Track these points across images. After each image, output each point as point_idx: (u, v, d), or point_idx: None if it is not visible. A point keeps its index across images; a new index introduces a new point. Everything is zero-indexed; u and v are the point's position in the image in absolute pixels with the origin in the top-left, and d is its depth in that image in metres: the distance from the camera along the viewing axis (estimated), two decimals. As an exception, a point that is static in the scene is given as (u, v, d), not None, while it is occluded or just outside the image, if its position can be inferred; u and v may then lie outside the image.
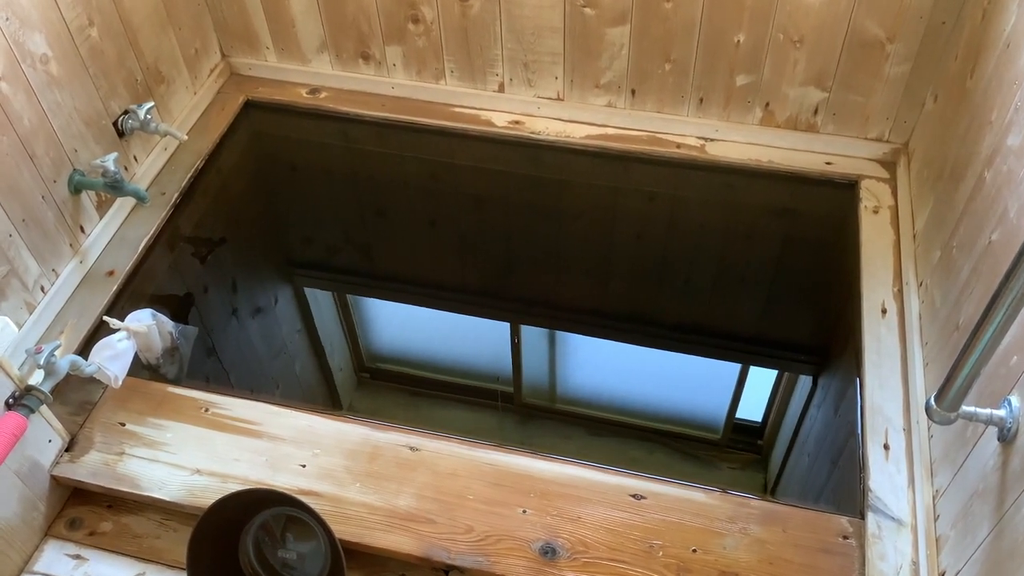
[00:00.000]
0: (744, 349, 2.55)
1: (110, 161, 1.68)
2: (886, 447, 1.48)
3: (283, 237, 2.55)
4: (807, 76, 1.85)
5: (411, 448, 1.52)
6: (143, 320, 1.60)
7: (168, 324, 1.68)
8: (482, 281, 2.51)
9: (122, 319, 1.63)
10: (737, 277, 2.26)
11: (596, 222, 2.19)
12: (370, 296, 2.77)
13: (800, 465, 2.53)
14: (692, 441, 3.21)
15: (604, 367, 3.03)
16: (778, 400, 2.92)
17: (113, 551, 1.49)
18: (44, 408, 1.44)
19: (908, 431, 1.49)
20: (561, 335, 2.97)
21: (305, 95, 2.17)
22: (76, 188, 1.72)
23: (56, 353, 1.43)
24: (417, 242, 2.43)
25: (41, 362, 1.40)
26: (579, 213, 2.19)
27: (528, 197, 2.18)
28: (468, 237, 2.37)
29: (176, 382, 1.73)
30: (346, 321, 3.16)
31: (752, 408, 3.07)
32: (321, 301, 2.93)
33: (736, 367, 2.78)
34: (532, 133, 2.05)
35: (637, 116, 2.02)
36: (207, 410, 1.59)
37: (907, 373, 1.55)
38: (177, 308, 1.99)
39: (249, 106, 2.17)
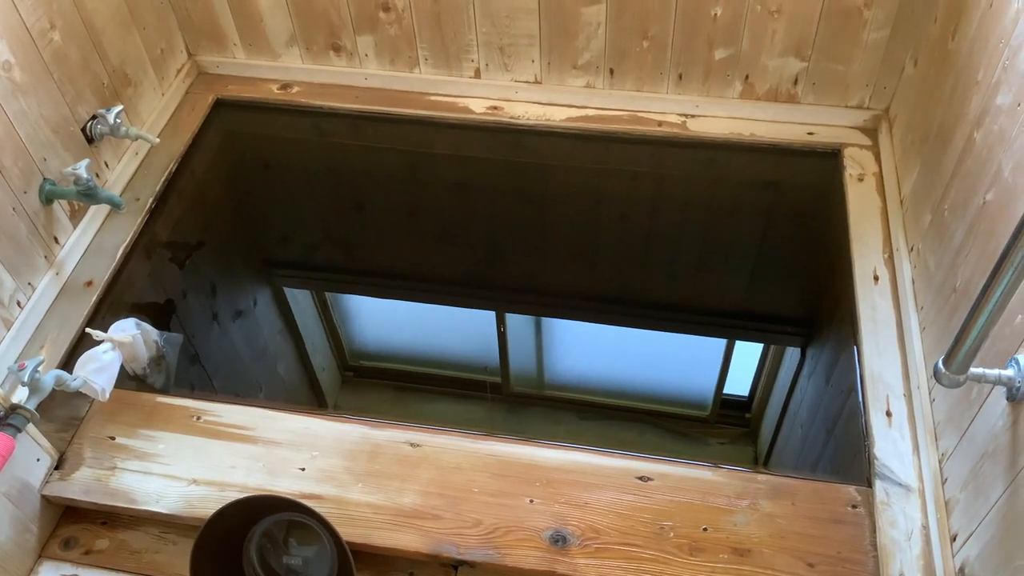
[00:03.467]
0: (731, 324, 2.55)
1: (82, 168, 1.63)
2: (888, 414, 1.47)
3: (261, 237, 2.50)
4: (786, 46, 1.83)
5: (412, 444, 1.49)
6: (127, 330, 1.56)
7: (153, 333, 1.64)
8: (465, 271, 2.48)
9: (105, 330, 1.58)
10: (723, 253, 2.25)
11: (580, 205, 2.17)
12: (351, 292, 2.73)
13: (793, 437, 2.54)
14: (681, 420, 3.21)
15: (591, 351, 3.02)
16: (765, 373, 2.92)
17: (112, 569, 1.45)
18: (30, 427, 1.40)
19: (908, 396, 1.49)
20: (547, 322, 2.96)
21: (276, 91, 2.12)
22: (48, 198, 1.67)
23: (40, 369, 1.39)
24: (398, 235, 2.40)
25: (25, 379, 1.35)
26: (562, 197, 2.16)
27: (510, 183, 2.16)
28: (450, 227, 2.34)
29: (164, 391, 1.69)
30: (327, 320, 3.12)
31: (738, 383, 3.08)
32: (301, 301, 2.89)
33: (722, 343, 2.78)
34: (511, 118, 2.02)
35: (617, 96, 1.99)
36: (199, 418, 1.55)
37: (903, 339, 1.55)
38: (159, 315, 1.94)
39: (220, 105, 2.12)
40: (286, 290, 2.75)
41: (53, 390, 1.44)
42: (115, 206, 1.70)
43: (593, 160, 2.06)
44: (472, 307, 2.66)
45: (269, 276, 2.66)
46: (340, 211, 2.38)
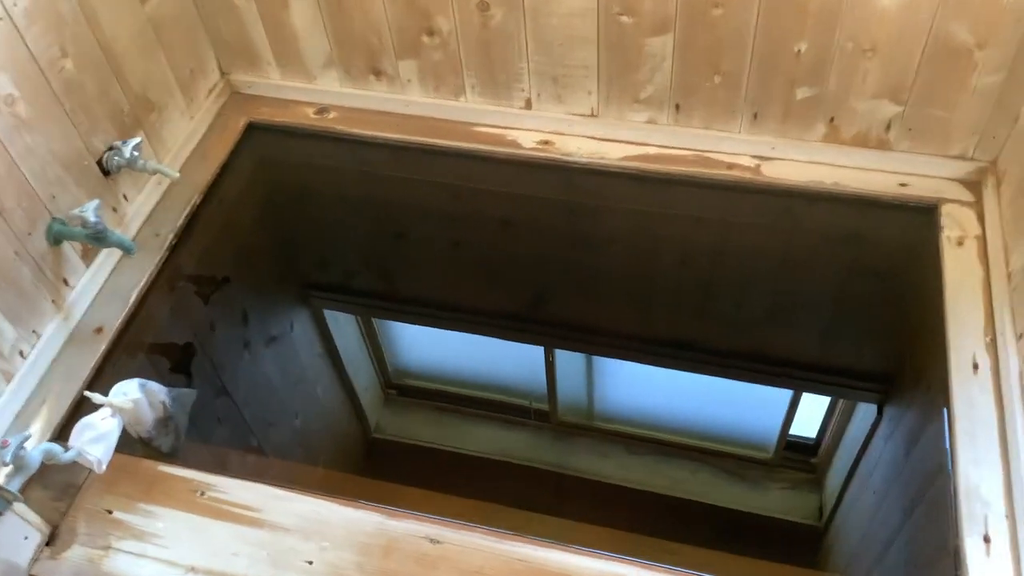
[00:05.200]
0: (799, 376, 2.33)
1: (90, 211, 1.50)
2: (986, 539, 1.25)
3: (294, 264, 2.37)
4: (879, 88, 1.60)
5: (431, 540, 1.33)
6: (129, 394, 1.42)
7: (160, 393, 1.50)
8: (513, 305, 2.31)
9: (107, 390, 1.45)
10: (794, 306, 2.03)
11: (635, 248, 1.98)
12: (393, 319, 2.59)
13: (865, 501, 2.31)
14: (739, 460, 3.00)
15: (645, 384, 2.83)
16: (836, 419, 2.69)
17: (101, 659, 1.33)
18: (18, 504, 1.28)
19: (1013, 519, 1.26)
20: (599, 357, 2.77)
21: (312, 115, 1.96)
22: (56, 239, 1.55)
23: (26, 445, 1.26)
24: (440, 266, 2.24)
25: (7, 459, 1.23)
26: (616, 238, 1.97)
27: (560, 223, 1.97)
28: (496, 261, 2.17)
29: (172, 455, 1.56)
30: (370, 339, 2.98)
31: (805, 424, 2.86)
32: (342, 322, 2.76)
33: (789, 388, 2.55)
34: (564, 155, 1.83)
35: (682, 133, 1.79)
36: (202, 493, 1.41)
37: (1008, 447, 1.33)
38: (178, 359, 1.81)
39: (252, 129, 1.98)
40: (325, 312, 2.62)
41: (43, 464, 1.32)
42: (126, 251, 1.57)
43: (652, 203, 1.86)
44: (519, 341, 2.49)
45: (305, 299, 2.53)
46: (380, 239, 2.22)
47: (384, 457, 3.24)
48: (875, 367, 2.17)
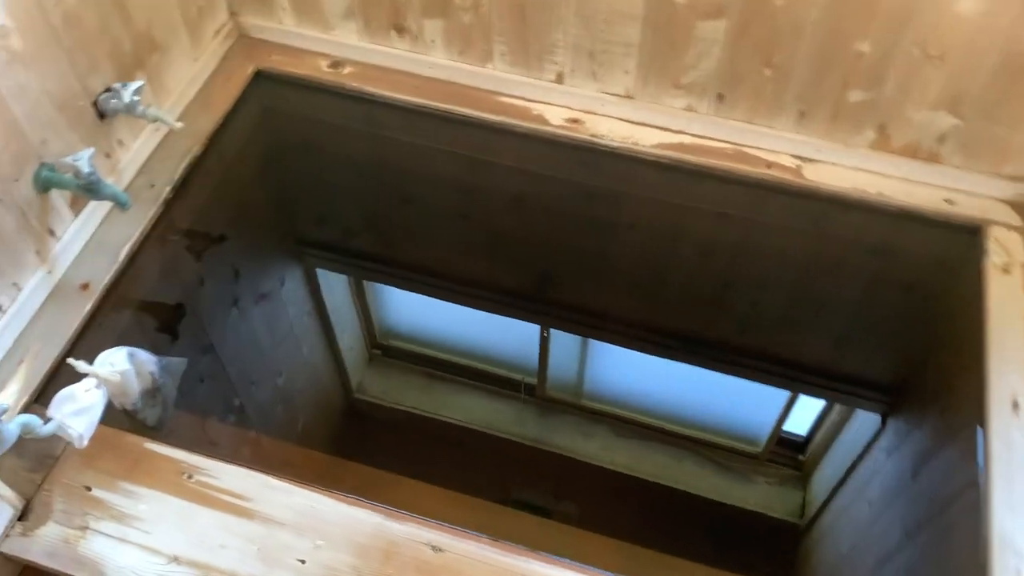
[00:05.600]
0: (800, 377, 2.26)
1: (84, 160, 1.37)
2: (1018, 594, 1.20)
3: (292, 221, 2.25)
4: (940, 99, 1.50)
5: (433, 548, 1.25)
6: (117, 365, 1.31)
7: (149, 363, 1.40)
8: (514, 282, 2.22)
9: (91, 352, 1.35)
10: (814, 311, 1.96)
11: (654, 238, 1.88)
12: (388, 283, 2.48)
13: (857, 510, 2.27)
14: (727, 451, 2.96)
15: (638, 367, 2.76)
16: (832, 420, 2.65)
17: (70, 647, 1.25)
18: (-11, 478, 1.18)
19: (1046, 574, 1.21)
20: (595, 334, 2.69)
21: (326, 68, 1.83)
22: (44, 186, 1.42)
23: (2, 417, 1.16)
24: (445, 236, 2.13)
25: (-19, 433, 1.13)
26: (636, 227, 1.87)
27: (579, 206, 1.87)
28: (504, 237, 2.06)
29: (158, 428, 1.46)
30: (359, 298, 2.88)
31: (798, 420, 2.82)
32: (333, 280, 2.65)
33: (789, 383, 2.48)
34: (592, 136, 1.72)
35: (722, 124, 1.68)
36: (190, 476, 1.32)
37: (1046, 496, 1.27)
38: (167, 319, 1.71)
39: (260, 77, 1.84)
40: (317, 271, 2.51)
41: (20, 437, 1.22)
42: (120, 204, 1.44)
43: (681, 195, 1.77)
44: (517, 317, 2.40)
45: (301, 256, 2.41)
46: (385, 203, 2.11)
47: (364, 419, 3.16)
48: (884, 378, 2.11)
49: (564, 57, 1.69)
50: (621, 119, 1.73)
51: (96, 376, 1.29)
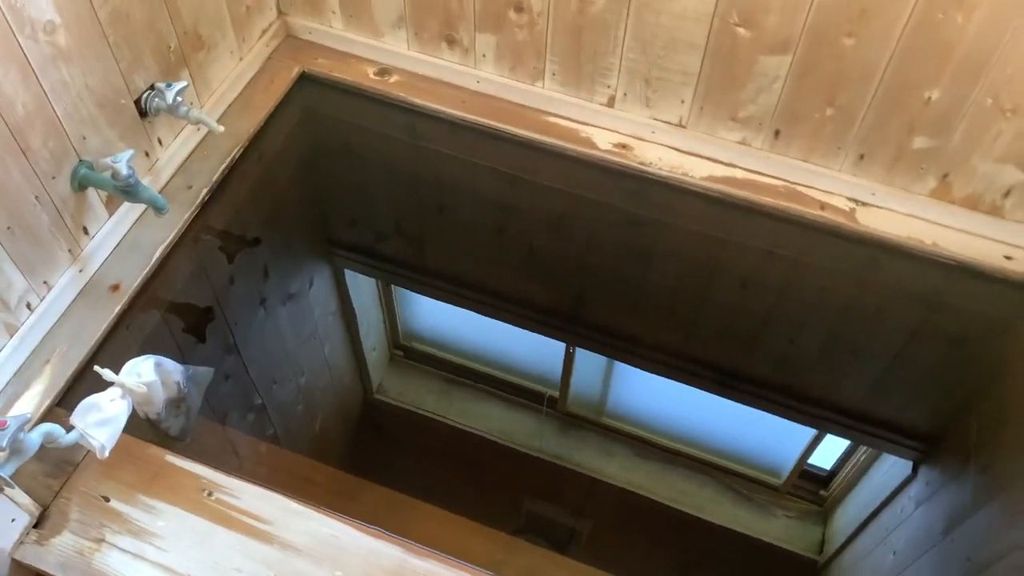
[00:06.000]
0: (835, 418, 2.20)
1: (123, 163, 1.34)
2: None
3: (325, 224, 2.21)
4: (1009, 152, 1.44)
5: (455, 589, 1.21)
6: (144, 375, 1.28)
7: (175, 372, 1.37)
8: (545, 300, 2.17)
9: (118, 356, 1.32)
10: (854, 356, 1.90)
11: (696, 270, 1.83)
12: (416, 290, 2.44)
13: (879, 557, 2.22)
14: (749, 481, 2.90)
15: (663, 390, 2.71)
16: (859, 459, 2.59)
17: (78, 661, 1.22)
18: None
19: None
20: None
21: (372, 75, 1.79)
22: (81, 184, 1.39)
23: (25, 428, 1.13)
24: (480, 248, 2.09)
25: (4, 443, 1.10)
26: (677, 257, 1.82)
27: (620, 232, 1.82)
28: (539, 256, 2.02)
29: (181, 438, 1.43)
30: (385, 297, 2.85)
31: (822, 454, 2.76)
32: (361, 281, 2.62)
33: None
34: (641, 163, 1.67)
35: (776, 161, 1.63)
36: (210, 494, 1.29)
37: (1096, 581, 1.21)
38: (195, 322, 1.68)
39: (304, 79, 1.80)
40: (346, 272, 2.48)
41: (43, 446, 1.19)
42: (157, 210, 1.41)
43: (728, 230, 1.71)
44: (543, 334, 2.35)
45: (330, 257, 2.38)
46: (419, 212, 2.07)
47: (382, 420, 3.13)
48: (920, 426, 2.05)
49: (617, 81, 1.64)
50: (671, 147, 1.68)
51: (122, 386, 1.26)
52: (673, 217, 1.72)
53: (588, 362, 2.70)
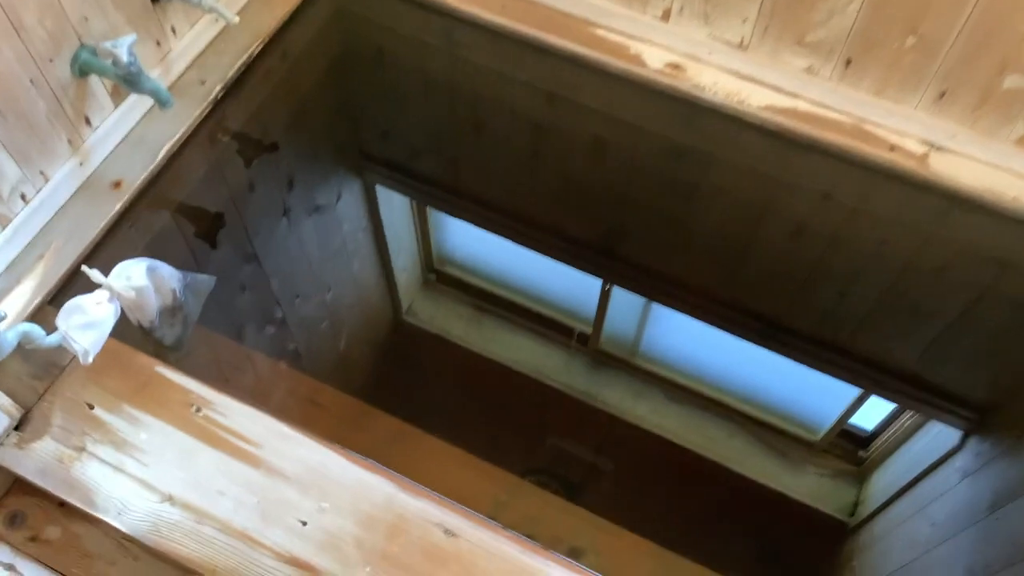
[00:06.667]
0: (882, 379, 2.06)
1: (123, 48, 1.23)
2: None
3: (354, 133, 2.10)
4: (1116, 98, 1.26)
5: (445, 531, 1.13)
6: (134, 279, 1.20)
7: (171, 279, 1.28)
8: (582, 230, 2.05)
9: (114, 260, 1.24)
10: (909, 313, 1.75)
11: (743, 209, 1.68)
12: (448, 211, 2.33)
13: (916, 528, 2.10)
14: (782, 435, 2.79)
15: (701, 335, 2.58)
16: (905, 422, 2.45)
17: (54, 570, 1.18)
18: (-17, 385, 1.09)
19: None
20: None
21: (408, -27, 1.65)
22: (82, 70, 1.29)
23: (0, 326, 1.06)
24: (515, 169, 1.97)
25: (-26, 340, 1.03)
26: (724, 194, 1.68)
27: (666, 162, 1.67)
28: (577, 181, 1.89)
29: (175, 348, 1.35)
30: (419, 219, 2.75)
31: (865, 413, 2.62)
32: (393, 199, 2.51)
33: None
34: (694, 87, 1.51)
35: (845, 93, 1.46)
36: (199, 410, 1.21)
37: None
38: (206, 227, 1.59)
39: (335, -25, 1.67)
40: (378, 188, 2.37)
41: (20, 345, 1.12)
42: (161, 103, 1.31)
43: (784, 168, 1.56)
44: (578, 267, 2.23)
45: (360, 171, 2.27)
46: (454, 128, 1.94)
47: (407, 344, 3.06)
48: (974, 394, 1.91)
49: (675, -8, 1.47)
50: (729, 71, 1.51)
51: (110, 289, 1.18)
52: (724, 149, 1.57)
53: (624, 300, 2.58)
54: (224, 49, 1.53)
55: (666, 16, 1.52)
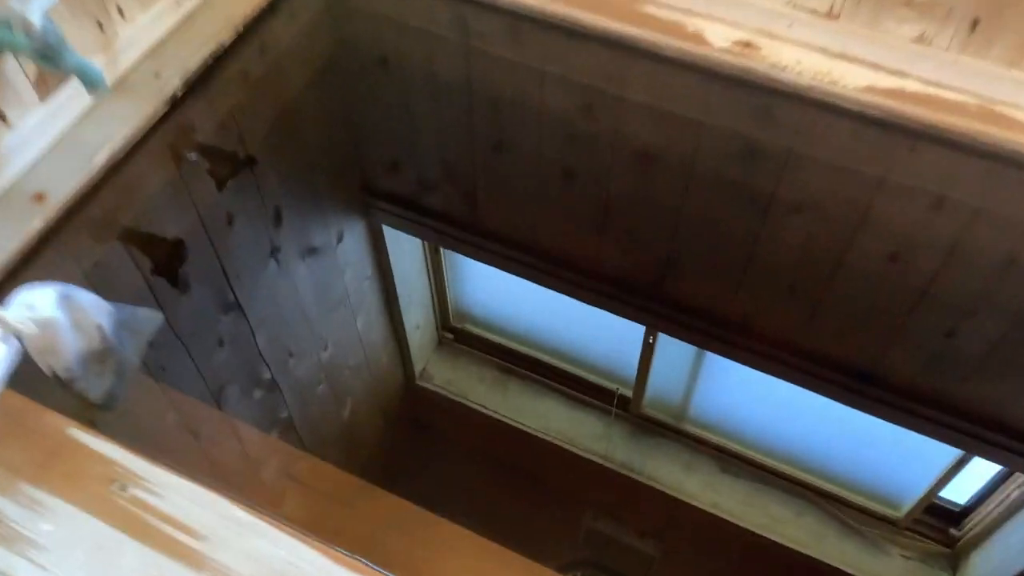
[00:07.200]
0: (995, 439, 1.69)
1: (36, 10, 0.94)
2: None
3: (352, 157, 1.81)
4: None
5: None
6: (38, 309, 0.88)
7: (96, 312, 0.96)
8: (623, 266, 1.73)
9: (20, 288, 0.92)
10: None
11: (834, 221, 1.36)
12: (467, 252, 2.02)
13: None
14: (859, 511, 2.40)
15: (761, 390, 2.22)
16: (1011, 493, 2.06)
17: None
18: None
19: None
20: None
21: (413, -49, 1.37)
22: (-10, 47, 1.00)
23: None
24: (544, 195, 1.66)
25: None
26: (809, 201, 1.35)
27: (734, 166, 1.35)
28: (618, 204, 1.57)
29: (105, 406, 1.02)
30: (433, 264, 2.43)
31: (956, 486, 2.24)
32: (404, 242, 2.21)
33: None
34: (771, 66, 1.20)
35: (968, 67, 1.15)
36: (123, 488, 0.88)
37: None
38: (161, 259, 1.28)
39: (326, -44, 1.39)
40: (384, 228, 2.07)
41: None
42: (90, 85, 1.01)
43: (889, 165, 1.23)
44: (619, 313, 1.90)
45: (363, 208, 1.97)
46: (472, 146, 1.64)
47: (423, 411, 2.72)
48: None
49: (744, -50, 1.18)
50: (815, 48, 1.20)
51: (3, 324, 0.86)
52: (810, 146, 1.25)
53: (671, 352, 2.24)
54: (186, 38, 1.24)
55: (732, -18, 1.22)
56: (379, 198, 1.93)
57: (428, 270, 2.39)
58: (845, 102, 1.18)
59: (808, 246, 1.41)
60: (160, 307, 1.33)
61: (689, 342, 1.90)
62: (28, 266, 1.05)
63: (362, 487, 1.09)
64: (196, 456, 1.29)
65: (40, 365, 0.94)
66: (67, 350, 0.94)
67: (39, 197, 1.07)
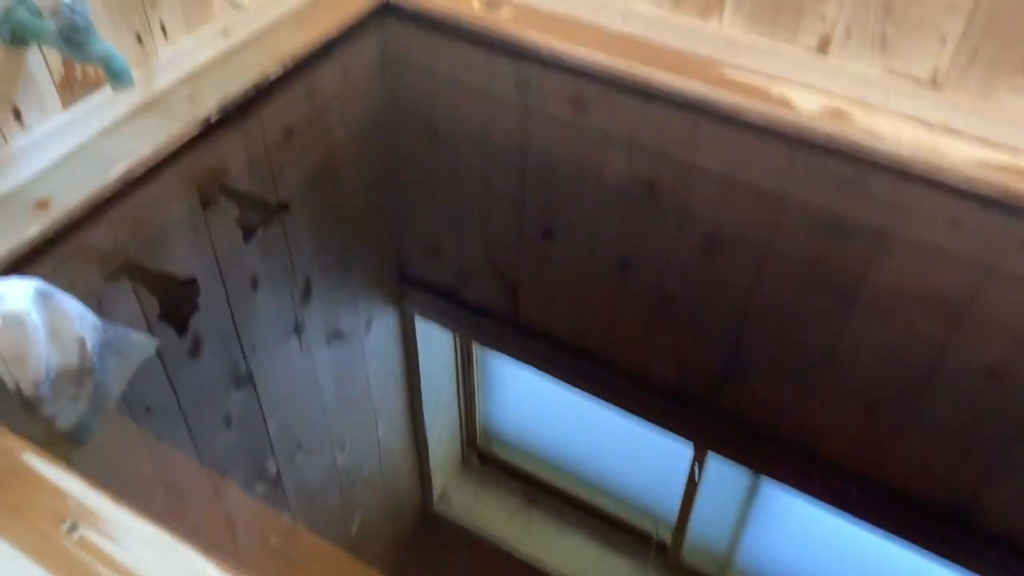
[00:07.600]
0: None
1: (67, -13, 0.86)
2: None
3: (394, 232, 1.70)
4: None
5: None
6: (9, 301, 0.74)
7: (80, 321, 0.82)
8: (678, 370, 1.56)
9: (0, 289, 0.78)
10: None
11: (938, 322, 1.19)
12: (506, 351, 1.86)
13: None
14: None
15: (826, 535, 1.98)
16: None
17: None
18: None
19: None
20: (767, 485, 1.95)
21: (477, 6, 1.30)
22: (15, 33, 0.91)
23: None
24: (594, 288, 1.52)
25: None
26: (910, 297, 1.19)
27: (819, 252, 1.21)
28: (679, 297, 1.42)
29: (75, 438, 0.86)
30: (464, 371, 2.27)
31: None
32: (434, 341, 2.06)
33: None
34: (866, 134, 1.08)
35: (1095, 143, 1.02)
36: (73, 528, 0.70)
37: None
38: (171, 297, 1.14)
39: (388, 11, 1.33)
40: (417, 320, 1.93)
41: None
42: (113, 76, 0.91)
43: (1004, 256, 1.08)
44: (665, 426, 1.71)
45: (397, 295, 1.84)
46: (520, 230, 1.52)
47: (438, 539, 2.48)
48: None
49: (837, 11, 1.08)
50: (915, 118, 1.09)
51: (-37, 311, 0.72)
52: (910, 229, 1.11)
53: (720, 483, 2.01)
54: (230, 68, 1.16)
55: (824, 45, 1.12)
56: (415, 285, 1.80)
57: (458, 375, 2.22)
58: (949, 180, 1.05)
59: (898, 344, 1.24)
60: (162, 363, 1.18)
61: (744, 464, 1.69)
62: (21, 272, 0.92)
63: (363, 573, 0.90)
64: (175, 515, 1.11)
65: (3, 377, 0.79)
66: (37, 361, 0.79)
67: (42, 204, 0.96)
